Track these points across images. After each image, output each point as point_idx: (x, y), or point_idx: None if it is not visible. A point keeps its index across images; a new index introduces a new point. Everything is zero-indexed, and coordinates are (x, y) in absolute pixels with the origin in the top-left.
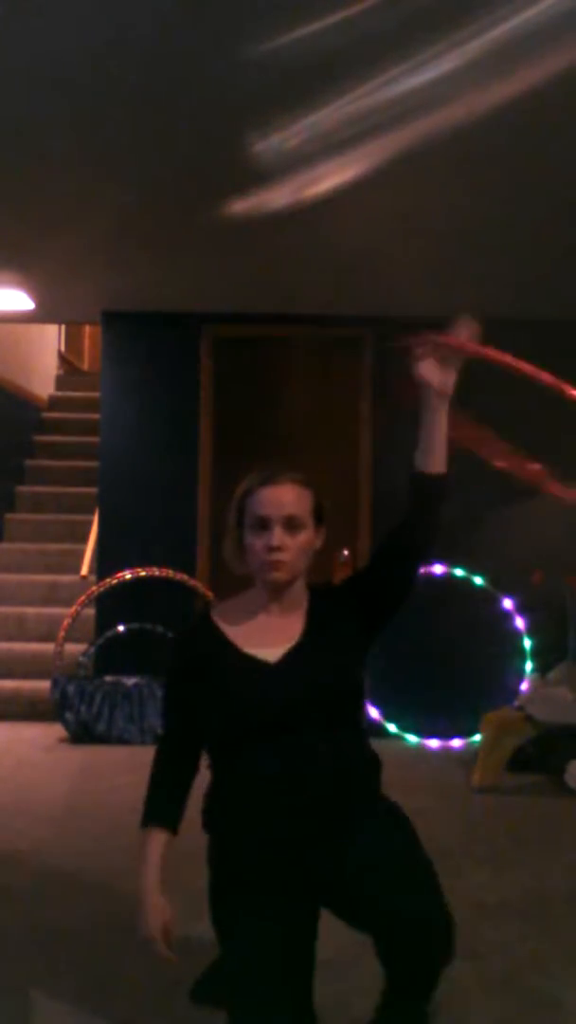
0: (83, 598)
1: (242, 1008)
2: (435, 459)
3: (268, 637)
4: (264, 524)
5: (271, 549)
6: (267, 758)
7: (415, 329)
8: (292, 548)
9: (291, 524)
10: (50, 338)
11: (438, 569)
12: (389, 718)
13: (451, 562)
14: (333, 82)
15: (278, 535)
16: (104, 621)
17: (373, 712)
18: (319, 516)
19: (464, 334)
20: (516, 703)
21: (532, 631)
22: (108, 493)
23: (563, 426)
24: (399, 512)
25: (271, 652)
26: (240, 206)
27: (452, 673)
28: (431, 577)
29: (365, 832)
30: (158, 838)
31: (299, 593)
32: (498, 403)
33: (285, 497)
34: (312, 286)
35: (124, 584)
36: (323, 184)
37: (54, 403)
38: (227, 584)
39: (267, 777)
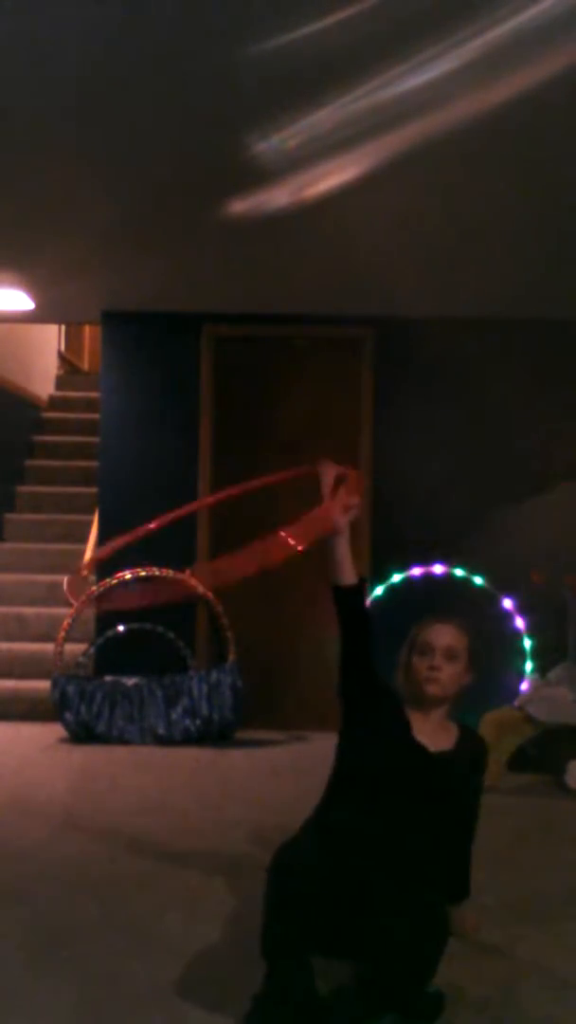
0: (83, 598)
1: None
2: None
3: (424, 734)
4: (428, 649)
5: (431, 668)
6: (376, 813)
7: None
8: (447, 671)
9: (449, 654)
10: (50, 338)
11: (438, 569)
12: None
13: (451, 562)
14: (333, 82)
15: (438, 659)
16: (104, 621)
17: None
18: (473, 659)
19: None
20: (516, 703)
21: (532, 631)
22: (108, 493)
23: None
24: (397, 514)
25: (428, 744)
26: (240, 206)
27: None
28: (431, 577)
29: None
30: None
31: (445, 717)
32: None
33: (447, 632)
34: (313, 286)
35: (124, 584)
36: (323, 184)
37: (54, 403)
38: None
39: (363, 831)
